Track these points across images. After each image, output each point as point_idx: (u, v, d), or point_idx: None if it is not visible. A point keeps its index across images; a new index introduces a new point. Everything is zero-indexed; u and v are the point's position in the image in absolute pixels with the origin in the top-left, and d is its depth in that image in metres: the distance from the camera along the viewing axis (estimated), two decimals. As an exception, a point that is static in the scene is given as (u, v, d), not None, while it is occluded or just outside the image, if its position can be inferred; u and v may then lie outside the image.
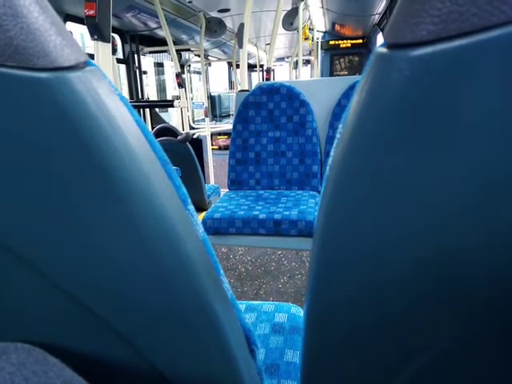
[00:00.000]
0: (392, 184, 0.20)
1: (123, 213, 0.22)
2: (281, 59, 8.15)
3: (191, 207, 0.28)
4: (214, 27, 3.79)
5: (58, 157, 0.21)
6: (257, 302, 0.75)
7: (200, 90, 6.50)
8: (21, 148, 0.20)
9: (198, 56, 4.43)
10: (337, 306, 0.25)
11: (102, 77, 0.22)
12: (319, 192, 1.64)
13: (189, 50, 4.71)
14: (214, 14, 3.71)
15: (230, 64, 6.69)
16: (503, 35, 0.15)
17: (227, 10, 3.63)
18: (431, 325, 0.23)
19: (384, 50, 0.18)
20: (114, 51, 2.99)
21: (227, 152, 1.79)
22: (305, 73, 8.32)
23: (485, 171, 0.17)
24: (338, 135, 0.22)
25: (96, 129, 0.20)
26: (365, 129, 0.19)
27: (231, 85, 7.32)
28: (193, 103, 3.75)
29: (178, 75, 3.29)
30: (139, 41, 3.88)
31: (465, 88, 0.16)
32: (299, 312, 0.71)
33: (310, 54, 7.05)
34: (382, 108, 0.18)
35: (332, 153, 0.23)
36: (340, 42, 6.39)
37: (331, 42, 6.42)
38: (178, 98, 3.06)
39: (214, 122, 5.88)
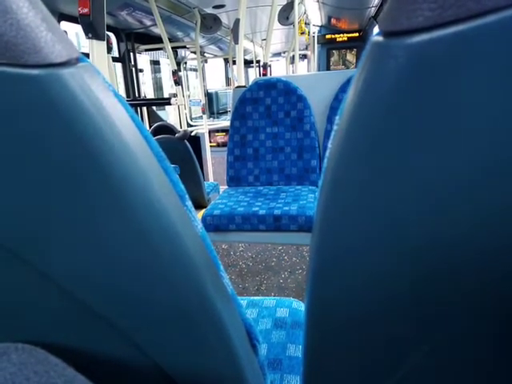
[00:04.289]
0: (390, 174, 0.19)
1: (120, 209, 0.22)
2: (277, 54, 8.12)
3: (189, 203, 0.28)
4: (210, 23, 3.76)
5: (53, 155, 0.20)
6: (258, 297, 0.75)
7: (197, 87, 6.47)
8: (14, 147, 0.20)
9: (194, 53, 4.41)
10: (337, 299, 0.25)
11: (95, 73, 0.22)
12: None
13: (184, 47, 4.68)
14: (209, 11, 3.69)
15: (226, 60, 6.66)
16: (501, 20, 0.15)
17: (222, 6, 3.61)
18: (430, 314, 0.23)
19: (380, 38, 0.18)
20: (110, 50, 2.97)
21: (226, 149, 1.79)
22: (302, 67, 8.30)
23: (484, 158, 0.17)
24: (335, 127, 0.22)
25: (90, 125, 0.20)
26: (362, 119, 0.19)
27: (228, 81, 7.29)
28: (190, 101, 3.73)
29: (175, 73, 3.27)
30: (134, 39, 3.86)
31: (462, 75, 0.16)
32: (300, 306, 0.71)
33: (306, 48, 7.02)
34: (379, 97, 0.18)
35: (329, 145, 0.23)
36: (336, 35, 6.37)
37: (327, 36, 6.39)
38: (174, 95, 3.04)
39: (211, 118, 5.86)
